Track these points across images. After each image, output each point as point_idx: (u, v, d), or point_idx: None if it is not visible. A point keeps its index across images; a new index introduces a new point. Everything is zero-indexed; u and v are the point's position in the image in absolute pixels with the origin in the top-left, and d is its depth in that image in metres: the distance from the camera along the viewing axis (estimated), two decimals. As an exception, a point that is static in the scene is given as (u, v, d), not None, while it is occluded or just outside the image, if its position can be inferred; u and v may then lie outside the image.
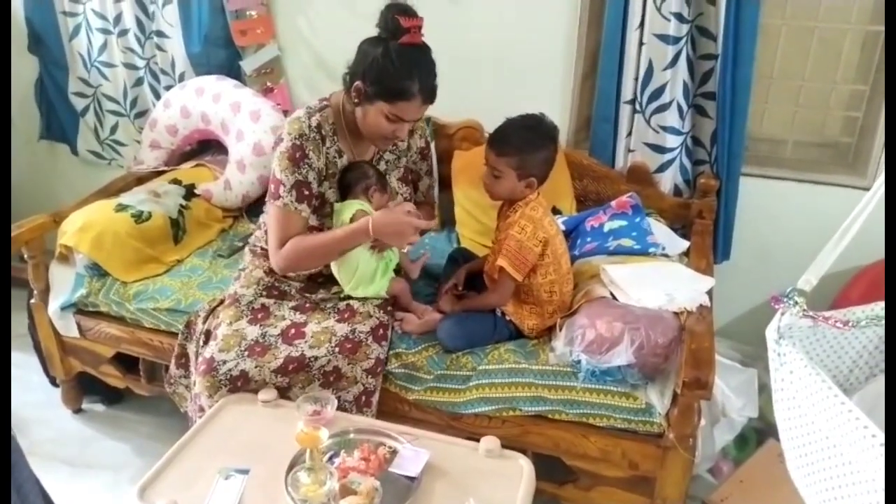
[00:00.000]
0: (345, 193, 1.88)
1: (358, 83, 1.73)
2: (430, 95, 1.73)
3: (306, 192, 1.79)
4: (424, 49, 1.73)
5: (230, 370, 1.72)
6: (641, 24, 2.16)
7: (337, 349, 1.76)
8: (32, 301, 2.31)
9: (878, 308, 1.62)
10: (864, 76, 2.28)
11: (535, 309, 1.86)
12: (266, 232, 1.95)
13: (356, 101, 1.76)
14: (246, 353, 1.74)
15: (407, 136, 1.94)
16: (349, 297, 1.90)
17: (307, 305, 1.89)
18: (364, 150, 1.92)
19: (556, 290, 1.83)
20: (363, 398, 1.78)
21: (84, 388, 2.50)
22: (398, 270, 1.98)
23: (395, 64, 1.67)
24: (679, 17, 2.10)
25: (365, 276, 1.88)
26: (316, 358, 1.74)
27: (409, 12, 1.68)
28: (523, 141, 1.73)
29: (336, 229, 1.81)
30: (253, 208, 2.56)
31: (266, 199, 1.87)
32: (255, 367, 1.72)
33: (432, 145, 2.31)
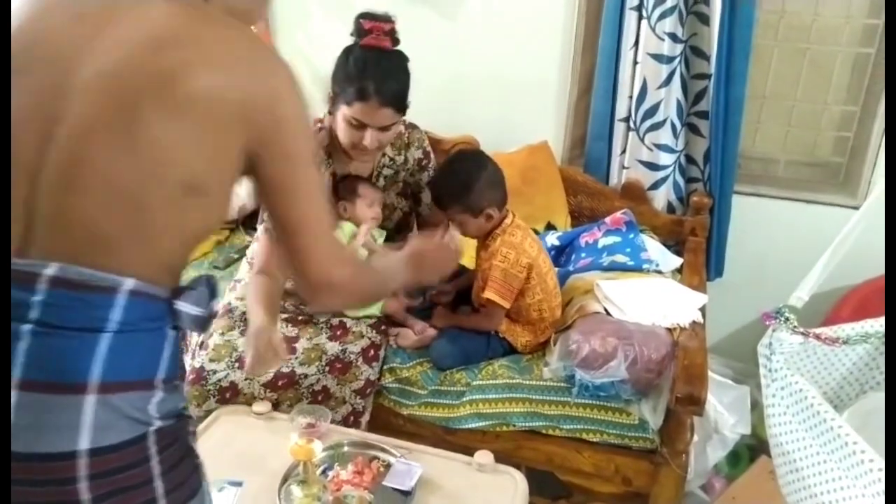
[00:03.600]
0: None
1: (329, 91, 1.74)
2: (390, 99, 1.66)
3: None
4: (389, 53, 1.70)
5: (220, 380, 1.72)
6: (636, 44, 2.18)
7: (327, 368, 1.76)
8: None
9: (868, 326, 1.64)
10: (854, 97, 2.31)
11: (527, 327, 1.87)
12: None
13: (329, 110, 1.76)
14: (237, 364, 1.74)
15: (403, 149, 1.93)
16: (342, 313, 1.89)
17: (300, 318, 1.88)
18: (359, 167, 1.90)
19: (546, 308, 1.84)
20: (351, 418, 1.77)
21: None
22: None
23: (354, 64, 1.67)
24: (673, 36, 2.13)
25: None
26: (306, 376, 1.74)
27: (374, 16, 1.68)
28: (454, 187, 1.76)
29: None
30: (249, 220, 2.56)
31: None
32: (245, 379, 1.72)
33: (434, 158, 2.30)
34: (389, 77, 1.67)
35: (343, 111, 1.69)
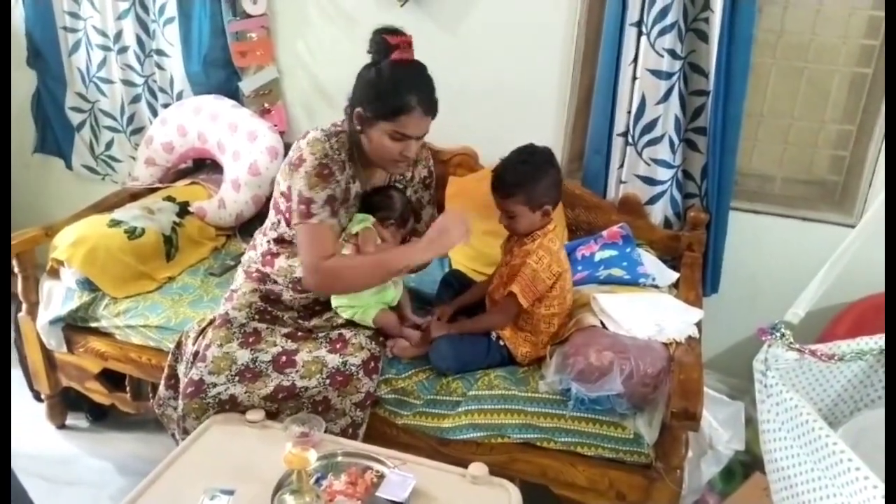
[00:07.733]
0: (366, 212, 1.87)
1: (358, 109, 1.74)
2: (430, 107, 1.73)
3: (336, 208, 1.77)
4: (417, 65, 1.74)
5: (219, 394, 1.71)
6: (635, 60, 2.20)
7: (328, 381, 1.75)
8: (20, 314, 2.30)
9: (864, 343, 1.64)
10: (851, 116, 2.32)
11: (530, 337, 1.87)
12: (263, 255, 1.92)
13: (359, 128, 1.76)
14: (237, 377, 1.73)
15: (412, 166, 1.95)
16: (341, 326, 1.89)
17: (299, 334, 1.87)
18: (371, 177, 1.91)
19: (556, 324, 1.85)
20: (350, 430, 1.77)
21: (69, 404, 2.47)
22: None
23: (390, 80, 1.69)
24: (672, 53, 2.15)
25: (365, 306, 1.87)
26: (307, 388, 1.74)
27: (395, 31, 1.71)
28: (523, 176, 1.76)
29: (385, 252, 1.79)
30: (246, 227, 2.56)
31: (291, 222, 1.80)
32: (245, 392, 1.72)
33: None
34: (425, 87, 1.73)
35: (383, 127, 1.72)
